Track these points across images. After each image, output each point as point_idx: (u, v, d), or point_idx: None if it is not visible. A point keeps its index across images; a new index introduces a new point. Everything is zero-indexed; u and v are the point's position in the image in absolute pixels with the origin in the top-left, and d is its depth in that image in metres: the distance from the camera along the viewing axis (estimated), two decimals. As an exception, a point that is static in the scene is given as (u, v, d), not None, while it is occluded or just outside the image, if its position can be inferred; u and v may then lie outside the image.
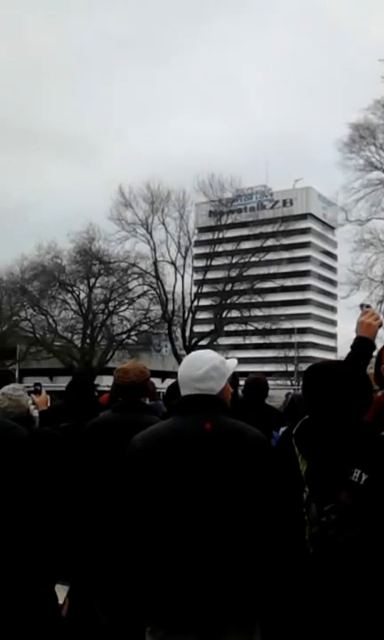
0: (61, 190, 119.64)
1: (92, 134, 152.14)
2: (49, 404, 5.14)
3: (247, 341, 42.71)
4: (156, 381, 8.61)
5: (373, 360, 2.81)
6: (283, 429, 3.71)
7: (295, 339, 49.04)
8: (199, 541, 2.13)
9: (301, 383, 3.74)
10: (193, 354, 2.48)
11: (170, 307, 37.95)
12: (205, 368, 2.35)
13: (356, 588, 2.07)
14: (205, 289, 40.33)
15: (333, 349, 77.57)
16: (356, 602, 2.06)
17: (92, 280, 38.50)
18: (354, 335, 2.65)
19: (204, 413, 2.27)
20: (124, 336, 38.81)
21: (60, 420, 4.03)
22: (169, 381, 5.69)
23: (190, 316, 38.96)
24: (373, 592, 2.05)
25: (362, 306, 2.73)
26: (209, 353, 2.47)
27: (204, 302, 40.60)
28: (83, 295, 39.01)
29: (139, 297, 38.61)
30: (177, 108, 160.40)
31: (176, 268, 38.54)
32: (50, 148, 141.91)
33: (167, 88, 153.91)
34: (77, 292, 39.14)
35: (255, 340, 42.72)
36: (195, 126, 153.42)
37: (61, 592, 3.18)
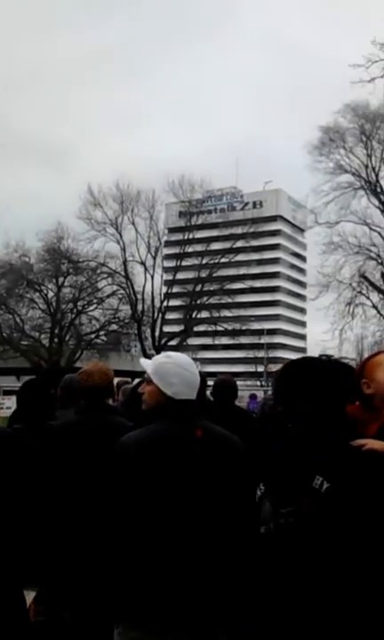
0: (34, 195, 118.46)
1: (67, 141, 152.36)
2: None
3: (216, 342, 42.82)
4: (125, 382, 8.52)
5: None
6: None
7: (264, 340, 49.33)
8: (185, 544, 2.15)
9: (274, 381, 3.69)
10: (177, 357, 2.42)
11: (139, 307, 37.84)
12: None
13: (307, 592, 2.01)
14: (175, 289, 40.32)
15: (303, 350, 78.23)
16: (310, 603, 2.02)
17: (61, 279, 38.06)
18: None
19: (193, 418, 2.30)
20: (92, 336, 38.53)
21: (16, 420, 3.95)
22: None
23: (160, 316, 38.90)
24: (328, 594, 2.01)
25: None
26: None
27: (173, 302, 40.57)
28: (51, 294, 38.56)
29: (108, 297, 38.38)
30: (151, 118, 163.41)
31: (146, 268, 38.54)
32: (24, 154, 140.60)
33: (142, 99, 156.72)
34: (45, 291, 38.62)
35: (224, 340, 42.84)
36: (168, 135, 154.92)
37: (27, 597, 3.13)
